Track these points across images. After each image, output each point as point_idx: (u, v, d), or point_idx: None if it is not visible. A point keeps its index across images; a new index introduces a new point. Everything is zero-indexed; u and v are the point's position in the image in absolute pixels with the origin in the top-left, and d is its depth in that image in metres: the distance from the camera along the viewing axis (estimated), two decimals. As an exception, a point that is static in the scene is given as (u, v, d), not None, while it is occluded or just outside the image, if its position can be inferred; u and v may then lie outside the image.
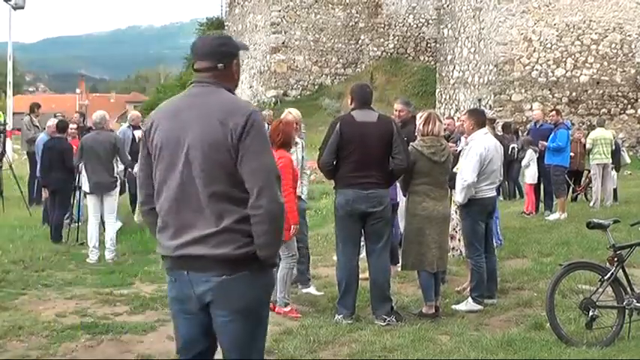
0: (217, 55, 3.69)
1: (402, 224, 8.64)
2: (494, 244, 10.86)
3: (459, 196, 7.82)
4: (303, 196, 8.57)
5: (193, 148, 3.45)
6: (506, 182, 16.12)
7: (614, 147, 16.08)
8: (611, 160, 15.86)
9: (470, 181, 7.67)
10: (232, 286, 3.45)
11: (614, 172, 16.29)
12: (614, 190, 16.29)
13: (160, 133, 3.56)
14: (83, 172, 11.00)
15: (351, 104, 7.54)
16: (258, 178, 3.42)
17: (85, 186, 10.90)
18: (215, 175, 3.44)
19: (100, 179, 10.57)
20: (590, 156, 15.70)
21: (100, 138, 10.65)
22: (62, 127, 12.52)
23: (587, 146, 15.78)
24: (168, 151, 3.52)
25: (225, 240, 3.42)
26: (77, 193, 12.25)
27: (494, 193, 8.21)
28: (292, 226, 7.45)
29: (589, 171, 16.18)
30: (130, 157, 13.90)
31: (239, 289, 3.46)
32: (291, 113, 8.64)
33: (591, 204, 15.60)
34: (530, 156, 14.72)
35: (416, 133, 7.87)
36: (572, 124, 19.58)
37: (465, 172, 7.74)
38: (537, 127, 15.47)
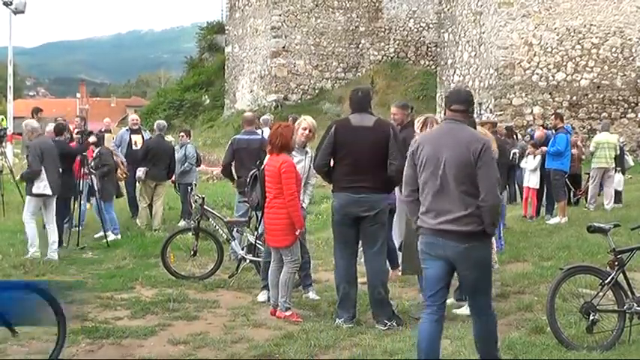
0: (469, 103, 5.57)
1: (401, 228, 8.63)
2: (496, 248, 10.88)
3: None
4: (304, 205, 8.54)
5: (449, 162, 5.30)
6: (508, 186, 16.12)
7: (618, 151, 16.08)
8: (613, 165, 15.84)
9: None
10: (471, 251, 5.29)
11: (620, 176, 16.28)
12: (619, 193, 16.30)
13: (424, 152, 5.43)
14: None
15: (350, 107, 7.58)
16: (486, 183, 5.25)
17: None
18: (463, 180, 5.28)
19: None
20: (593, 159, 15.70)
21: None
22: (59, 130, 12.49)
23: (590, 149, 15.78)
24: (431, 164, 5.37)
25: (469, 221, 5.26)
26: (79, 197, 12.28)
27: None
28: (298, 230, 7.48)
29: (588, 174, 16.16)
30: (125, 161, 13.98)
31: (476, 252, 5.32)
32: (306, 120, 8.62)
33: (587, 205, 15.63)
34: (537, 160, 14.70)
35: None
36: (573, 128, 19.58)
37: None
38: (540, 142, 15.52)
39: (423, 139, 5.61)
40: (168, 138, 16.63)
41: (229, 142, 11.12)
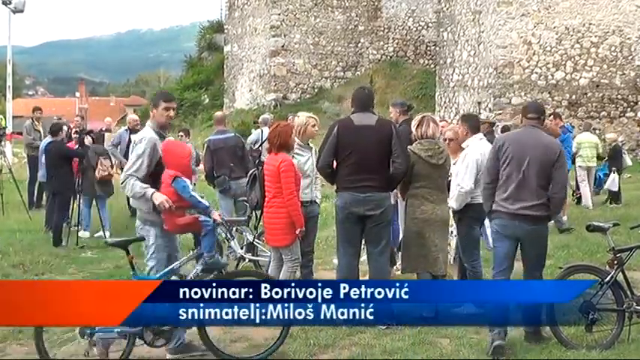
0: (542, 112, 6.98)
1: (401, 227, 8.64)
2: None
3: (454, 202, 7.78)
4: (317, 200, 8.54)
5: (532, 161, 6.55)
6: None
7: (600, 150, 16.47)
8: (595, 164, 16.28)
9: (467, 189, 7.63)
10: (538, 231, 6.67)
11: (614, 175, 16.32)
12: (618, 193, 16.33)
13: (510, 150, 6.65)
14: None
15: (352, 107, 7.56)
16: (559, 180, 6.63)
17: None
18: (541, 176, 6.58)
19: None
20: (576, 159, 15.83)
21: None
22: (54, 130, 12.47)
23: (573, 149, 15.85)
24: (516, 160, 6.60)
25: (539, 208, 6.58)
26: (78, 196, 12.27)
27: None
28: (298, 230, 7.47)
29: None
30: (125, 160, 13.94)
31: (540, 232, 6.71)
32: (312, 117, 8.53)
33: (583, 204, 15.71)
34: None
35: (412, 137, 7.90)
36: (573, 127, 19.57)
37: (462, 180, 7.70)
38: None
39: (509, 139, 6.91)
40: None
41: (205, 146, 11.16)
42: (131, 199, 6.63)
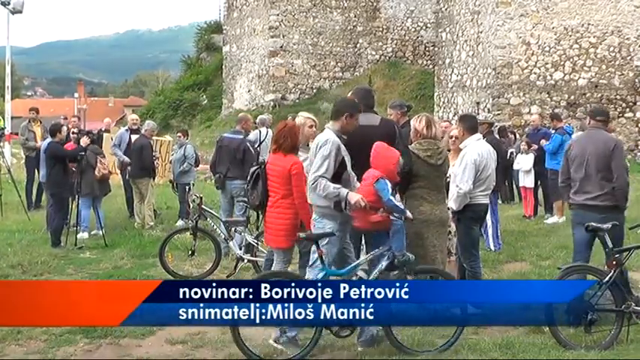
0: (607, 115, 8.06)
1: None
2: (493, 248, 10.89)
3: (453, 203, 7.78)
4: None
5: (590, 158, 7.51)
6: (506, 185, 16.13)
7: None
8: None
9: (465, 190, 7.64)
10: (608, 220, 7.09)
11: None
12: None
13: (574, 151, 7.72)
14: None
15: None
16: (617, 170, 7.46)
17: None
18: (601, 169, 7.45)
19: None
20: None
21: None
22: (52, 130, 12.46)
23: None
24: (579, 159, 7.62)
25: (606, 199, 7.43)
26: (77, 197, 12.27)
27: (487, 201, 8.16)
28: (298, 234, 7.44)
29: None
30: (128, 159, 13.97)
31: (612, 220, 7.10)
32: (309, 117, 8.51)
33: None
34: (531, 160, 14.74)
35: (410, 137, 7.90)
36: (573, 128, 19.57)
37: (460, 180, 7.70)
38: (535, 132, 15.60)
39: (574, 142, 8.15)
40: (167, 138, 16.63)
41: (217, 140, 11.73)
42: (311, 196, 6.90)
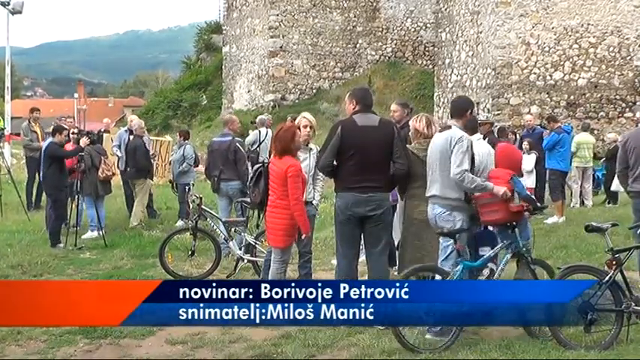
0: None
1: (399, 227, 8.63)
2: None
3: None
4: (314, 202, 8.54)
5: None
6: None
7: (594, 150, 17.05)
8: (591, 164, 16.63)
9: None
10: None
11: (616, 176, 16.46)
12: (616, 193, 16.37)
13: (630, 143, 8.38)
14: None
15: (353, 108, 7.53)
16: None
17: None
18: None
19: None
20: (574, 159, 15.89)
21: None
22: (53, 131, 12.46)
23: (572, 149, 15.91)
24: (637, 149, 8.20)
25: None
26: (77, 197, 12.27)
27: None
28: (304, 235, 7.49)
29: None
30: (126, 159, 13.98)
31: None
32: (305, 118, 8.52)
33: (571, 205, 15.79)
34: (532, 160, 14.77)
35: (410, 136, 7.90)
36: (572, 128, 19.60)
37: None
38: (530, 132, 15.72)
39: (630, 135, 8.78)
40: (167, 138, 16.64)
41: (207, 146, 12.07)
42: (441, 190, 7.16)
